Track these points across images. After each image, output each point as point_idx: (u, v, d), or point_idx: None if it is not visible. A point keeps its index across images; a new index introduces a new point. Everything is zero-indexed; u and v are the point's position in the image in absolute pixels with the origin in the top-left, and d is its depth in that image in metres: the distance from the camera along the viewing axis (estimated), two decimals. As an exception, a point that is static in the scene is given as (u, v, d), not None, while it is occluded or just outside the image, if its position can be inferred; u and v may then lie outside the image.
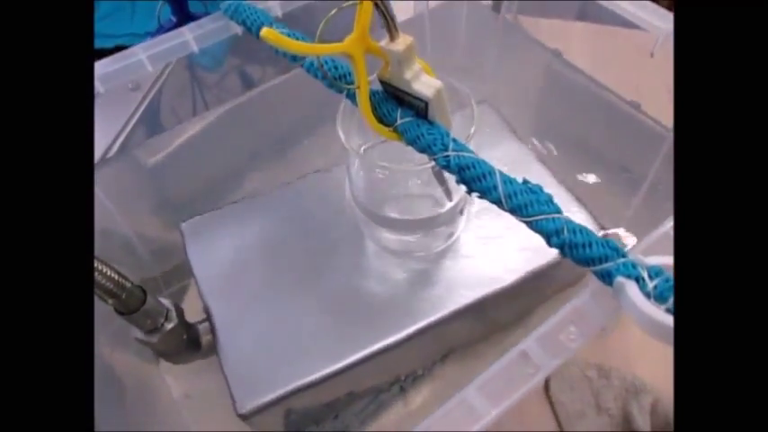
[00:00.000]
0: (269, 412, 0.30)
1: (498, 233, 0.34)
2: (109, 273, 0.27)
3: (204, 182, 0.38)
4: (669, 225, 0.24)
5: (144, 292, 0.29)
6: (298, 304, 0.32)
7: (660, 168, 0.36)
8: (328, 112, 0.42)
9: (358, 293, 0.32)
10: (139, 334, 0.30)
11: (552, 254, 0.33)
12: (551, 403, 0.41)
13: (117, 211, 0.36)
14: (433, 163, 0.25)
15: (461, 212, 0.32)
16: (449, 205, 0.30)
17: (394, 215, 0.30)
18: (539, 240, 0.34)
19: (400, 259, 0.33)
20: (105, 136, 0.44)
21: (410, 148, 0.25)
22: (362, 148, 0.30)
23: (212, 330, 0.32)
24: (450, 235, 0.33)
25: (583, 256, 0.21)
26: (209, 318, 0.32)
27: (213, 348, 0.32)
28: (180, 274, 0.39)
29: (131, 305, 0.28)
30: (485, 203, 0.35)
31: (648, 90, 0.37)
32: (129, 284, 0.28)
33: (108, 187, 0.35)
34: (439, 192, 0.30)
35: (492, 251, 0.33)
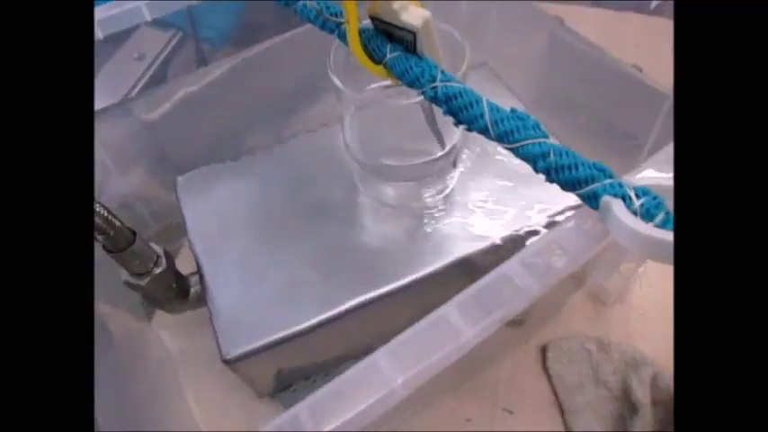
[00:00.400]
0: (255, 361, 0.29)
1: (492, 190, 0.33)
2: (98, 209, 0.27)
3: (203, 143, 0.38)
4: (659, 157, 0.24)
5: (133, 233, 0.29)
6: (289, 256, 0.32)
7: (662, 131, 0.36)
8: (327, 75, 0.42)
9: (350, 246, 0.32)
10: (128, 277, 0.30)
11: (546, 212, 0.33)
12: (549, 376, 0.40)
13: (114, 167, 0.36)
14: (421, 98, 0.25)
15: (454, 165, 0.32)
16: (441, 152, 0.29)
17: (387, 162, 0.30)
18: (534, 199, 0.34)
19: (394, 214, 0.33)
20: (109, 102, 0.45)
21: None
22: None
23: (201, 281, 0.32)
24: (444, 188, 0.32)
25: (569, 178, 0.21)
26: (199, 269, 0.32)
27: (202, 299, 0.32)
28: (176, 233, 0.39)
29: (120, 243, 0.28)
30: (478, 160, 0.35)
31: (649, 54, 0.37)
32: (118, 223, 0.28)
33: (106, 143, 0.36)
34: (431, 144, 0.30)
35: (486, 207, 0.33)
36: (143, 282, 0.30)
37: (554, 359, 0.41)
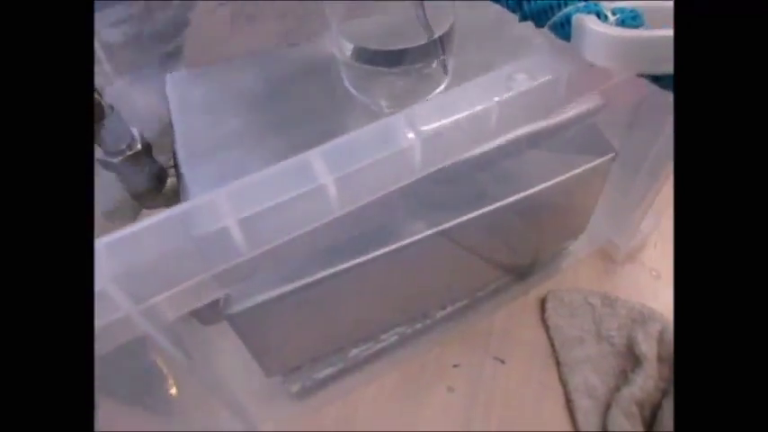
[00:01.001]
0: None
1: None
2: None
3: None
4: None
5: (111, 107, 0.29)
6: (269, 152, 0.31)
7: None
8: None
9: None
10: (102, 155, 0.29)
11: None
12: (547, 327, 0.37)
13: (111, 71, 0.36)
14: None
15: (446, 72, 0.31)
16: (428, 39, 0.28)
17: (374, 47, 0.29)
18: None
19: (381, 117, 0.32)
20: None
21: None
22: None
23: (177, 172, 0.31)
24: (432, 90, 0.31)
25: (540, 6, 0.19)
26: (175, 161, 0.32)
27: (178, 193, 0.31)
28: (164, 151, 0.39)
29: (95, 115, 0.28)
30: (472, 72, 0.33)
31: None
32: (96, 96, 0.28)
33: (105, 46, 0.36)
34: (419, 33, 0.29)
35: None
36: (116, 160, 0.29)
37: (553, 310, 0.37)
